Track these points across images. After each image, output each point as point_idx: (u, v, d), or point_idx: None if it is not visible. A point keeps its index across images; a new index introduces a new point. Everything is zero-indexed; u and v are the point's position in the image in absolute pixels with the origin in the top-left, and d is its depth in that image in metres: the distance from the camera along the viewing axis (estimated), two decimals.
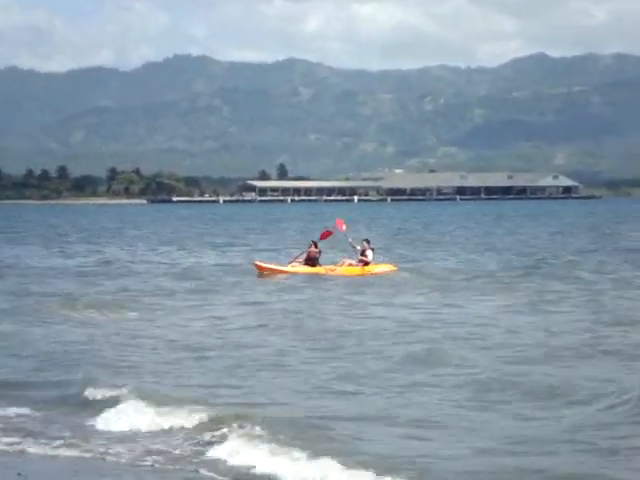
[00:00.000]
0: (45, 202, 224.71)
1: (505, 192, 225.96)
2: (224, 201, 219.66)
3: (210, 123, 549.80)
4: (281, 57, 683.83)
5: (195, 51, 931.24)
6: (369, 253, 27.92)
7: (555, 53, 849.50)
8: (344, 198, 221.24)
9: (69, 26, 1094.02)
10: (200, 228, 73.89)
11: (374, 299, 22.70)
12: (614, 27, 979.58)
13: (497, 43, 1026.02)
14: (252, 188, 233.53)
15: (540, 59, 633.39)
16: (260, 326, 18.51)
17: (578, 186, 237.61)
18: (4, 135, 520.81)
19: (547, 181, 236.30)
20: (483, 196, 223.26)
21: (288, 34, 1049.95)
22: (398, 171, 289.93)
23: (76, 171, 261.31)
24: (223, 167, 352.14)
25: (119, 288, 26.03)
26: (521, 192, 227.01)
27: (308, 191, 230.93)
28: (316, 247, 27.63)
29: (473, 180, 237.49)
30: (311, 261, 27.51)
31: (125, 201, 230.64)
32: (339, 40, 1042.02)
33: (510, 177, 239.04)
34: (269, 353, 15.45)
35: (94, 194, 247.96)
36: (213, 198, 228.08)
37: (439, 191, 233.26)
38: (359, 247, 28.50)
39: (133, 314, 20.67)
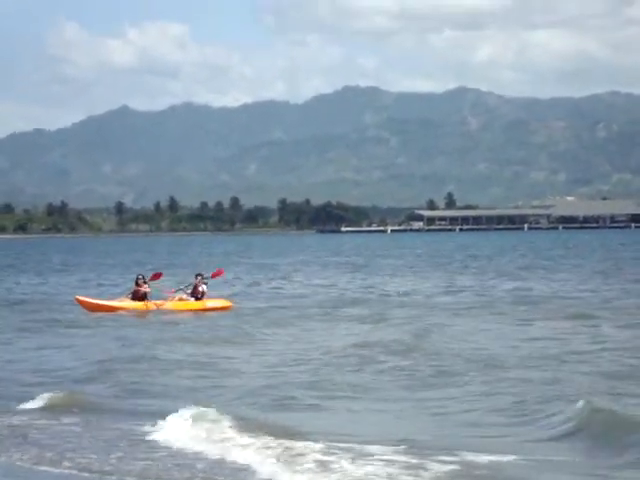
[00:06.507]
0: (219, 233, 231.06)
1: None
2: (392, 230, 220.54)
3: (379, 153, 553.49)
4: (451, 86, 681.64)
5: (364, 82, 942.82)
6: (202, 288, 28.49)
7: None
8: (514, 226, 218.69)
9: (243, 61, 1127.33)
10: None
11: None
12: None
13: None
14: (420, 217, 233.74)
15: None
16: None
17: None
18: (180, 168, 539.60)
19: None
20: None
21: (458, 63, 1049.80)
22: (570, 199, 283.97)
23: (248, 203, 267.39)
24: (391, 197, 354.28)
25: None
26: None
27: (477, 220, 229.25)
28: (145, 283, 28.43)
29: None
30: (139, 297, 28.24)
31: (295, 232, 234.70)
32: (510, 68, 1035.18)
33: None
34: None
35: (266, 225, 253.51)
36: (381, 228, 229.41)
37: (612, 219, 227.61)
38: (189, 286, 28.84)
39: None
